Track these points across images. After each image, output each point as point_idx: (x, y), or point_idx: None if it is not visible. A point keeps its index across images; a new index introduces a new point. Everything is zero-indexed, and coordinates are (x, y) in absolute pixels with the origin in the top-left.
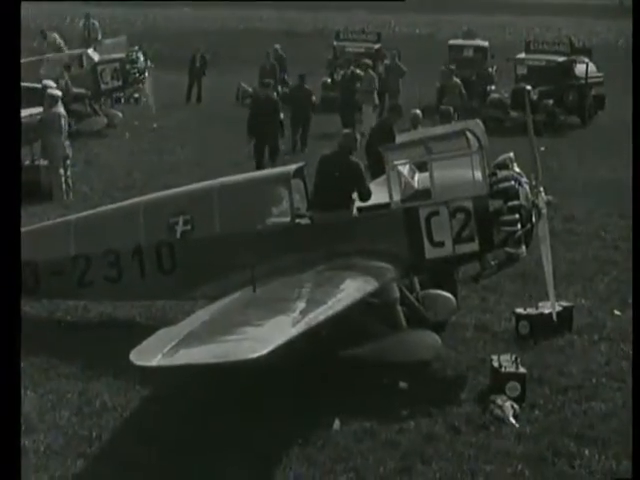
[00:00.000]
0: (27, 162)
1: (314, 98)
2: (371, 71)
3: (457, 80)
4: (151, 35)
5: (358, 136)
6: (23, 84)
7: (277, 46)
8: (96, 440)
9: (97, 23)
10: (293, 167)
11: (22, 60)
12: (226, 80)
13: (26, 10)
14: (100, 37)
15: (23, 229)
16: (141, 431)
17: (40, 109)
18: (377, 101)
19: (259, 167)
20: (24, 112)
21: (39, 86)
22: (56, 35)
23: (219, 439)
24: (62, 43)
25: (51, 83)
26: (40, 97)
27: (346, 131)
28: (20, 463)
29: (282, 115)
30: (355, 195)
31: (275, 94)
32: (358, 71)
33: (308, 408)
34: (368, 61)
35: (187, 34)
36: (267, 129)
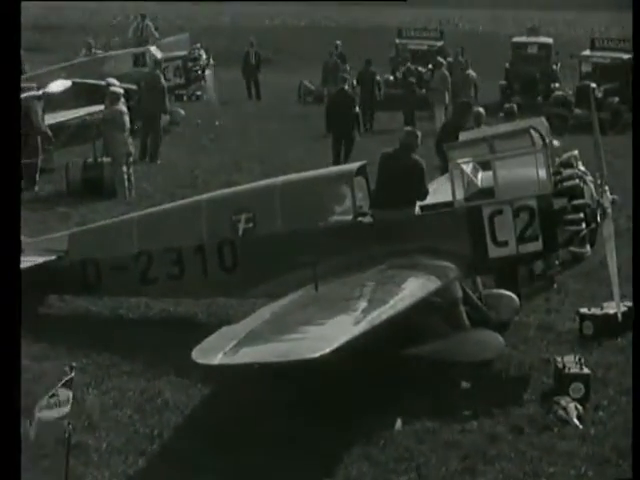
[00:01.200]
0: (90, 159)
1: (378, 77)
2: (444, 69)
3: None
4: (213, 32)
5: (419, 133)
6: (87, 81)
7: (338, 42)
8: (157, 438)
9: (151, 24)
10: (356, 165)
11: (86, 57)
12: (287, 77)
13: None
14: (154, 38)
15: (86, 227)
16: (202, 429)
17: (101, 107)
18: (448, 100)
19: (336, 162)
20: (87, 109)
21: (102, 83)
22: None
23: (280, 437)
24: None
25: (114, 81)
26: (103, 95)
27: (408, 129)
28: (20, 462)
29: (358, 109)
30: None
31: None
32: (420, 68)
33: (370, 408)
34: (441, 59)
35: (248, 30)
36: (344, 124)
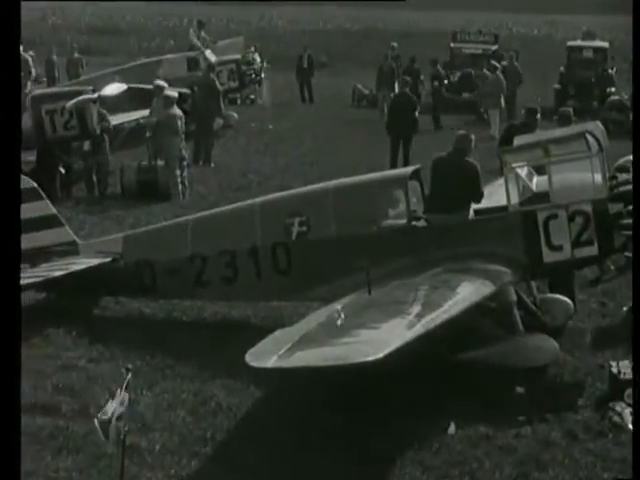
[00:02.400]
0: (144, 162)
1: (422, 77)
2: (499, 73)
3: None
4: (267, 35)
5: (473, 137)
6: (141, 86)
7: (394, 44)
8: (210, 440)
9: (207, 37)
10: (410, 169)
11: (142, 60)
12: (341, 80)
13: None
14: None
15: (141, 229)
16: (255, 432)
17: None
18: (503, 104)
19: (393, 165)
20: (141, 113)
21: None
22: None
23: (333, 441)
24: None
25: (163, 82)
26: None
27: (461, 132)
28: (20, 463)
29: (417, 113)
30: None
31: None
32: (474, 72)
33: (424, 412)
34: (495, 63)
35: (302, 34)
36: (404, 127)
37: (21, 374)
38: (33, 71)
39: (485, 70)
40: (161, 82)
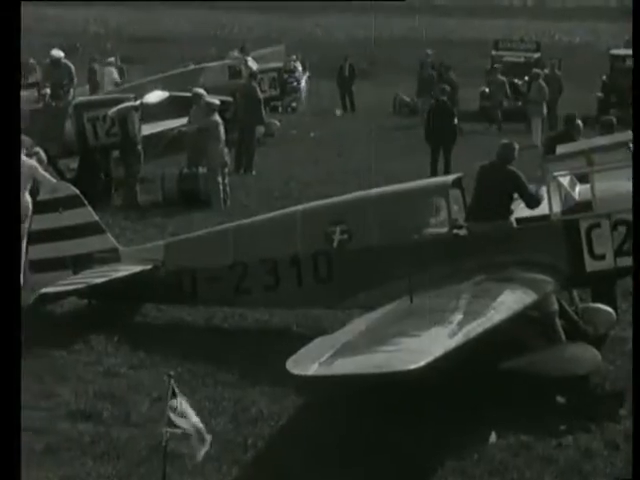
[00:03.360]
0: (186, 170)
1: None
2: (541, 81)
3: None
4: (309, 44)
5: (516, 146)
6: (182, 94)
7: (429, 51)
8: (251, 448)
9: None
10: (451, 177)
11: (183, 68)
12: (382, 88)
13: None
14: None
15: (182, 236)
16: (296, 440)
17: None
18: (545, 112)
19: (433, 173)
20: (182, 121)
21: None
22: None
23: (373, 449)
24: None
25: (201, 91)
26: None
27: (504, 141)
28: (20, 464)
29: (457, 120)
30: (522, 204)
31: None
32: (516, 80)
33: (464, 421)
34: (539, 70)
35: (343, 42)
36: (443, 136)
37: (21, 375)
38: (75, 79)
39: (525, 78)
40: (200, 90)
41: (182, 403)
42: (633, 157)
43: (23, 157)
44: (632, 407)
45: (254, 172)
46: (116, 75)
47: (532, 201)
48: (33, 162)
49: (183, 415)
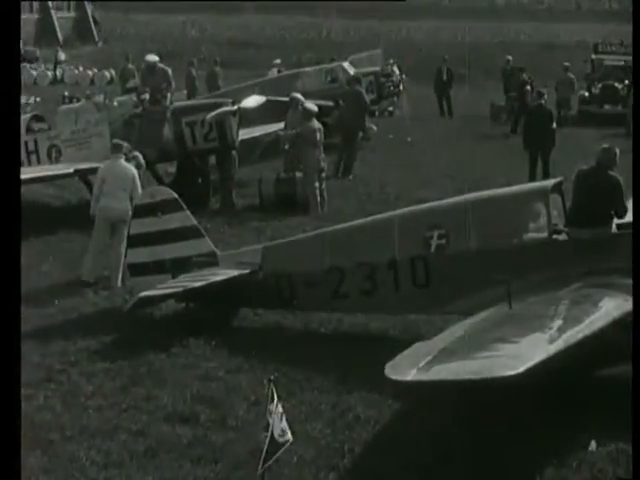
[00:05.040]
0: (283, 174)
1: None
2: None
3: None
4: (406, 48)
5: (617, 151)
6: (279, 98)
7: (509, 57)
8: (348, 453)
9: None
10: (551, 182)
11: (280, 73)
12: (480, 93)
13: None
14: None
15: (279, 241)
16: (393, 446)
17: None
18: None
19: (532, 178)
20: (279, 126)
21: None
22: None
23: (470, 457)
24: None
25: (299, 96)
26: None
27: (605, 146)
28: (20, 467)
29: (555, 125)
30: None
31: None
32: (616, 84)
33: (564, 428)
34: None
35: (441, 46)
36: (541, 140)
37: (21, 376)
38: (173, 83)
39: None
40: (297, 94)
41: (279, 406)
42: (633, 157)
43: (124, 162)
44: (632, 407)
45: (351, 177)
46: None
47: (620, 211)
48: (132, 167)
49: (281, 419)
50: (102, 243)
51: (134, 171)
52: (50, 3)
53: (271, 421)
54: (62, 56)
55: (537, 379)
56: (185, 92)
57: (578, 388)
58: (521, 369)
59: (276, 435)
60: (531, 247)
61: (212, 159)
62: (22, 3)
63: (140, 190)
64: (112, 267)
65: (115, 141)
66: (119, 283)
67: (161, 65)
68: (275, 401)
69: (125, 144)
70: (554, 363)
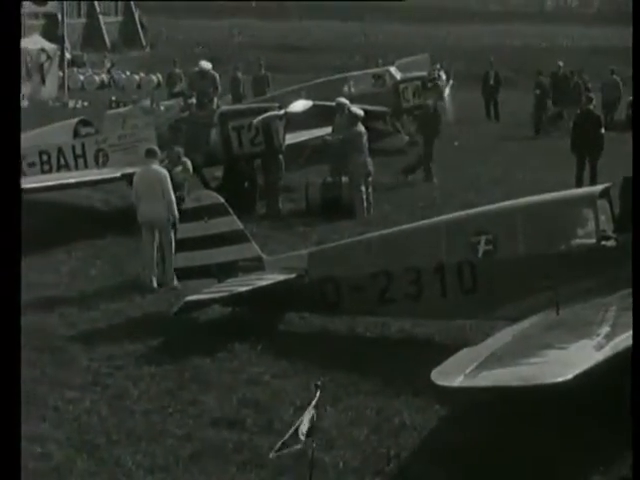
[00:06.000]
0: (329, 179)
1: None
2: None
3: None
4: (453, 52)
5: None
6: (322, 102)
7: (560, 63)
8: (394, 459)
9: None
10: (599, 187)
11: (327, 77)
12: (528, 97)
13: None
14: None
15: (326, 246)
16: (439, 452)
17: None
18: None
19: (579, 183)
20: (325, 130)
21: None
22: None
23: (519, 466)
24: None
25: (344, 100)
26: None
27: None
28: (20, 464)
29: (603, 130)
30: None
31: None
32: None
33: (615, 439)
34: None
35: (488, 50)
36: (589, 145)
37: (21, 378)
38: (220, 88)
39: None
40: (343, 99)
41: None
42: (633, 157)
43: (155, 166)
44: (632, 407)
45: (435, 180)
46: None
47: None
48: (163, 169)
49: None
50: (151, 247)
51: (165, 173)
52: (97, 8)
53: (305, 418)
54: (109, 63)
55: (585, 385)
56: (230, 96)
57: (626, 396)
58: (569, 376)
59: (301, 431)
60: (579, 253)
61: (258, 163)
62: (70, 8)
63: (171, 190)
64: (165, 268)
65: (150, 147)
66: (175, 282)
67: (210, 70)
68: (315, 404)
69: (177, 148)
70: (602, 370)
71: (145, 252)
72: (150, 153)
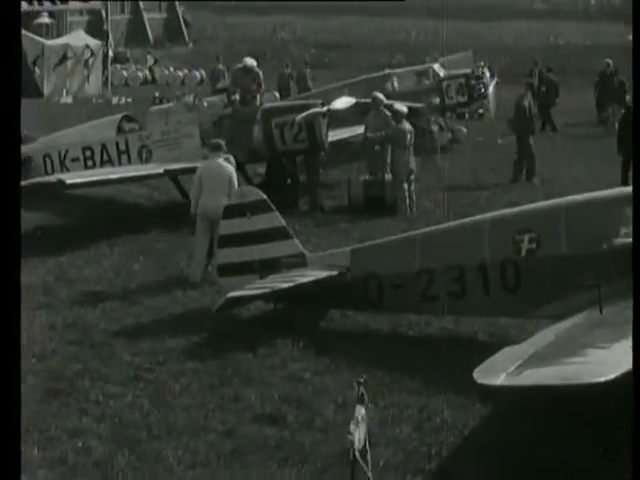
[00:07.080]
0: (371, 176)
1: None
2: None
3: None
4: (497, 50)
5: None
6: (365, 100)
7: (609, 61)
8: (435, 457)
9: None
10: None
11: (370, 75)
12: (573, 96)
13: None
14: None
15: (368, 243)
16: (481, 451)
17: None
18: None
19: (624, 183)
20: (362, 128)
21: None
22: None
23: (559, 468)
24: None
25: (382, 97)
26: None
27: None
28: (20, 463)
29: None
30: None
31: None
32: None
33: None
34: None
35: (532, 48)
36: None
37: (21, 379)
38: (263, 85)
39: None
40: (379, 95)
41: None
42: (633, 156)
43: (222, 161)
44: (632, 407)
45: (535, 179)
46: None
47: None
48: (230, 166)
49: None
50: (205, 242)
51: (232, 170)
52: (141, 4)
53: (362, 426)
54: (151, 60)
55: (626, 387)
56: (275, 93)
57: None
58: (612, 376)
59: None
60: (621, 252)
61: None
62: (114, 4)
63: (236, 187)
64: (211, 263)
65: (215, 141)
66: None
67: (255, 67)
68: (364, 404)
69: (223, 145)
70: None
71: (197, 245)
72: (215, 147)
